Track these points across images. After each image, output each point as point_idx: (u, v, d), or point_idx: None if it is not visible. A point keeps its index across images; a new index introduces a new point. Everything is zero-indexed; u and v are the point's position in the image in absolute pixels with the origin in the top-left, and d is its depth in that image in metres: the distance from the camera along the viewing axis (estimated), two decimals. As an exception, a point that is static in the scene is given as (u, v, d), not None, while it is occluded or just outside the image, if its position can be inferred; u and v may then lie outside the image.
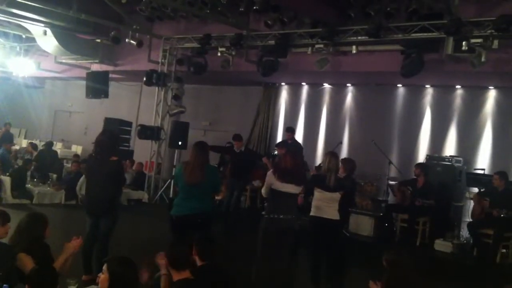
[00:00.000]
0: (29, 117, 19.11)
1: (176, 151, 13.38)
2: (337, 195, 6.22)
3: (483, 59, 8.08)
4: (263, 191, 6.02)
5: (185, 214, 5.77)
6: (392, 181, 10.58)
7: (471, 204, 9.39)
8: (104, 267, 3.25)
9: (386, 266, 4.45)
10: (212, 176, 5.97)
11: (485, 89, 10.54)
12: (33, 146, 15.43)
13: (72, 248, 4.54)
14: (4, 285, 3.60)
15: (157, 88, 13.08)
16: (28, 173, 11.83)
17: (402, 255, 4.51)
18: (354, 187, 7.33)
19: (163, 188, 12.81)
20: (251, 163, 10.78)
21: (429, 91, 11.31)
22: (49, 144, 14.46)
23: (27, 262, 4.09)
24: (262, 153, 13.19)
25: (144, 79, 12.79)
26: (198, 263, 4.27)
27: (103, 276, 3.23)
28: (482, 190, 9.29)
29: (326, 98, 12.89)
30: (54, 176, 12.49)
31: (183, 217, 5.79)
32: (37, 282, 3.37)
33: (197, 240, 4.39)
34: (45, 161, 13.28)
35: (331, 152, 6.88)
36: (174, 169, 12.76)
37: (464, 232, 9.44)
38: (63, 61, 15.28)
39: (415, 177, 9.70)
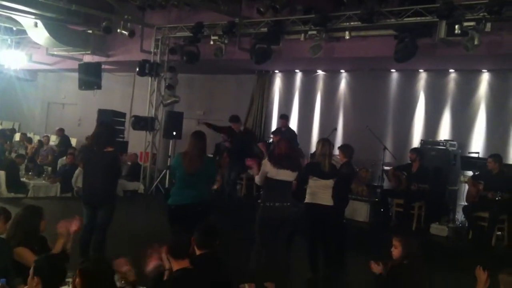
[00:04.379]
0: (22, 110, 18.96)
1: (171, 141, 13.34)
2: (331, 182, 6.25)
3: (476, 42, 8.05)
4: (257, 179, 6.01)
5: (184, 204, 5.73)
6: (387, 166, 10.60)
7: (465, 187, 9.45)
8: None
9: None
10: (209, 165, 6.04)
11: (479, 72, 10.53)
12: (27, 138, 15.41)
13: (63, 228, 4.42)
14: (1, 279, 3.58)
15: (150, 78, 12.99)
16: (22, 166, 11.77)
17: (415, 243, 4.58)
18: (353, 173, 7.34)
19: (158, 179, 12.78)
20: (251, 144, 10.09)
21: (422, 76, 11.31)
22: (62, 130, 14.94)
23: (27, 256, 4.07)
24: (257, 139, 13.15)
25: (137, 69, 12.70)
26: (197, 252, 4.26)
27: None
28: (476, 173, 9.32)
29: (320, 85, 12.86)
30: (49, 168, 12.45)
31: (182, 206, 5.74)
32: (49, 269, 3.13)
33: (198, 229, 4.34)
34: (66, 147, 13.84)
35: (324, 138, 6.95)
36: (169, 159, 12.75)
37: (459, 216, 9.52)
38: (55, 53, 15.14)
39: (409, 162, 9.73)
